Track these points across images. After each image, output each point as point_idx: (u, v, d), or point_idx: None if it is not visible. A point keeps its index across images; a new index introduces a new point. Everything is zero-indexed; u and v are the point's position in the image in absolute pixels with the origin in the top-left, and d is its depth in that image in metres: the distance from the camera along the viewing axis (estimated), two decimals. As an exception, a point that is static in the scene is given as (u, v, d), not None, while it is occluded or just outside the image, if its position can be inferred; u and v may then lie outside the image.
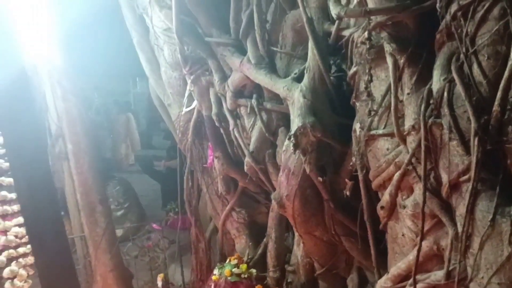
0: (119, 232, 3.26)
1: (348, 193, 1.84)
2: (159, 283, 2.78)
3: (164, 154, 10.45)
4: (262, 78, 2.10)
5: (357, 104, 1.77)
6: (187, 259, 3.19)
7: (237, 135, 2.38)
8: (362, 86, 1.72)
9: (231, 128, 2.40)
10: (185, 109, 2.59)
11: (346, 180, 1.87)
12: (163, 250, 3.04)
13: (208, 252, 2.77)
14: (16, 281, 1.91)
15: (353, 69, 1.76)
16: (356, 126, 1.76)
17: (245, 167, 2.34)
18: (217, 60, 2.36)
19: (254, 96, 2.26)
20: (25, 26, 2.26)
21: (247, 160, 2.30)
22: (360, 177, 1.78)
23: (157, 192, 5.78)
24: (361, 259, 2.03)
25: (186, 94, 2.58)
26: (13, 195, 1.86)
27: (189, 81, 2.51)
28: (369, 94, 1.69)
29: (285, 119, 2.18)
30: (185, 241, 3.19)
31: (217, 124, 2.47)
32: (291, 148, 1.88)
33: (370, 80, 1.68)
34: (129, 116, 10.36)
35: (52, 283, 1.14)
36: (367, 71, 1.66)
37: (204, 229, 2.87)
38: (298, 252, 2.30)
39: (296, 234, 2.25)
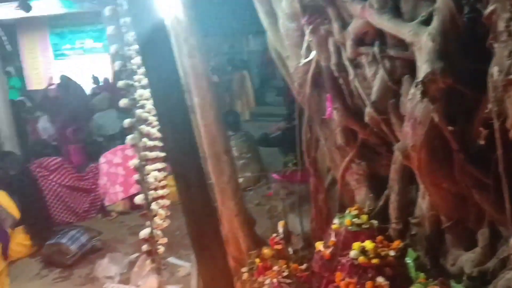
0: (240, 181, 3.45)
1: (482, 142, 1.73)
2: (280, 230, 2.90)
3: (277, 111, 10.66)
4: (385, 23, 2.02)
5: (495, 46, 1.63)
6: (304, 209, 3.28)
7: (357, 85, 2.33)
8: (501, 25, 1.57)
9: (351, 78, 2.35)
10: (303, 61, 2.59)
11: (481, 129, 1.75)
12: (282, 199, 3.16)
13: (327, 202, 2.81)
14: (155, 219, 2.16)
15: (490, 7, 1.61)
16: (494, 70, 1.62)
17: (366, 118, 2.30)
18: (337, 8, 2.31)
19: (377, 43, 2.19)
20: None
21: (369, 110, 2.26)
22: (496, 126, 1.66)
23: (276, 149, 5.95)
24: (493, 213, 1.91)
25: (304, 45, 2.57)
26: (151, 143, 2.07)
27: (307, 32, 2.49)
28: (510, 34, 1.55)
29: (410, 67, 2.08)
30: (303, 193, 3.27)
31: (336, 74, 2.44)
32: (418, 96, 1.80)
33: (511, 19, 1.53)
34: (244, 74, 10.64)
35: (196, 219, 1.26)
36: (508, 7, 1.51)
37: (322, 180, 2.91)
38: (423, 204, 2.24)
39: (421, 186, 2.19)
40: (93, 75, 10.27)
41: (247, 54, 15.93)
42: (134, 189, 5.40)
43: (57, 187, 5.20)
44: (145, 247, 2.02)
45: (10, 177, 4.49)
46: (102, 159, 5.53)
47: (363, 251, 2.23)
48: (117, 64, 1.70)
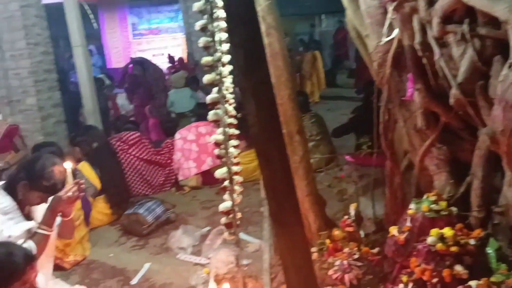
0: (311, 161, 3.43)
1: None
2: (352, 212, 2.87)
3: (347, 93, 10.47)
4: (477, 0, 1.90)
5: None
6: (377, 193, 3.21)
7: (443, 65, 2.22)
8: None
9: (436, 57, 2.25)
10: (384, 39, 2.50)
11: None
12: (355, 182, 3.12)
13: (403, 186, 2.74)
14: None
15: None
16: None
17: (451, 100, 2.20)
18: (424, -16, 2.20)
19: (466, 21, 2.07)
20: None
21: (454, 92, 2.15)
22: None
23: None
24: None
25: (387, 23, 2.48)
26: (229, 120, 2.10)
27: (390, 9, 2.40)
28: None
29: (502, 46, 1.96)
30: (376, 176, 3.20)
31: (420, 53, 2.34)
32: (511, 78, 1.69)
33: None
34: (315, 54, 10.50)
35: (276, 195, 1.27)
36: None
37: (398, 163, 2.82)
38: (508, 192, 2.12)
39: (508, 173, 2.06)
40: (168, 54, 10.61)
41: (319, 35, 15.71)
42: (206, 165, 5.57)
43: (135, 160, 5.47)
44: (224, 220, 2.08)
45: (93, 150, 4.78)
46: (177, 135, 5.72)
47: (441, 238, 2.16)
48: (202, 40, 1.74)
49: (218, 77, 1.77)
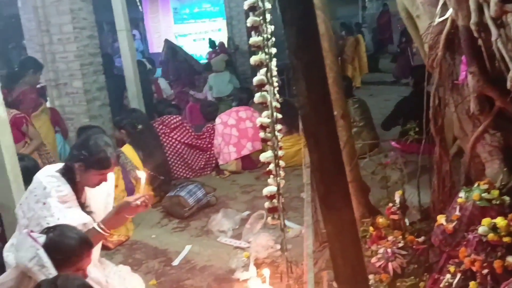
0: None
1: None
2: (397, 199, 2.79)
3: (390, 78, 10.21)
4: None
5: None
6: (422, 181, 3.11)
7: (500, 46, 2.10)
8: None
9: (493, 38, 2.12)
10: (437, 20, 2.39)
11: None
12: (400, 169, 3.03)
13: (451, 174, 2.63)
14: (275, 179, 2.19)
15: None
16: None
17: (508, 84, 2.08)
18: (482, -40, 2.08)
19: (527, -1, 1.94)
20: None
21: (512, 75, 2.03)
22: None
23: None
24: None
25: (440, 3, 2.36)
26: (275, 103, 2.07)
27: (444, -12, 2.29)
28: None
29: None
30: (422, 163, 3.09)
31: (475, 34, 2.22)
32: None
33: None
34: (358, 38, 10.25)
35: (325, 178, 1.24)
36: None
37: (447, 150, 2.72)
38: None
39: None
40: (209, 38, 10.63)
41: (362, 18, 15.34)
42: (246, 150, 5.58)
43: (176, 144, 5.54)
44: (268, 204, 2.06)
45: (137, 132, 4.86)
46: (217, 120, 5.75)
47: (493, 228, 2.07)
48: (250, 20, 1.70)
49: (266, 57, 1.74)
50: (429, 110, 2.62)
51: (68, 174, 2.50)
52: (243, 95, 6.38)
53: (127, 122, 4.87)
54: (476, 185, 2.33)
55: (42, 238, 2.04)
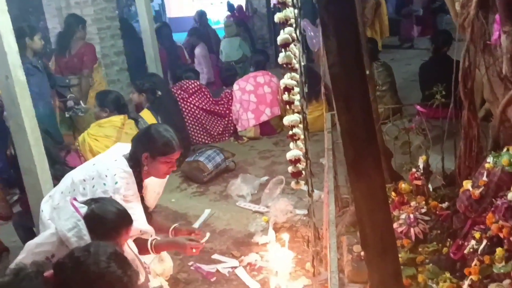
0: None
1: None
2: (421, 165, 2.73)
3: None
4: None
5: None
6: (446, 146, 3.04)
7: (538, 3, 1.98)
8: None
9: (531, -5, 2.00)
10: (470, -24, 2.26)
11: None
12: (424, 134, 2.95)
13: (479, 139, 2.55)
14: (298, 142, 2.15)
15: None
16: None
17: (545, 43, 1.97)
18: None
19: None
20: None
21: (551, 34, 1.92)
22: None
23: (411, 82, 5.59)
24: None
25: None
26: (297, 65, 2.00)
27: None
28: None
29: None
30: (447, 128, 3.01)
31: (512, -9, 2.10)
32: None
33: None
34: (379, 0, 9.90)
35: (355, 143, 1.19)
36: None
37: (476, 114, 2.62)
38: None
39: None
40: (228, 2, 10.42)
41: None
42: (264, 116, 5.52)
43: (195, 109, 5.50)
44: (291, 169, 2.03)
45: (156, 97, 4.83)
46: (235, 86, 5.68)
47: (523, 195, 2.01)
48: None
49: (291, 14, 1.66)
50: (458, 73, 2.51)
51: (135, 165, 2.51)
52: (260, 57, 6.27)
53: (149, 88, 4.83)
54: (505, 150, 2.26)
55: (84, 209, 2.03)
